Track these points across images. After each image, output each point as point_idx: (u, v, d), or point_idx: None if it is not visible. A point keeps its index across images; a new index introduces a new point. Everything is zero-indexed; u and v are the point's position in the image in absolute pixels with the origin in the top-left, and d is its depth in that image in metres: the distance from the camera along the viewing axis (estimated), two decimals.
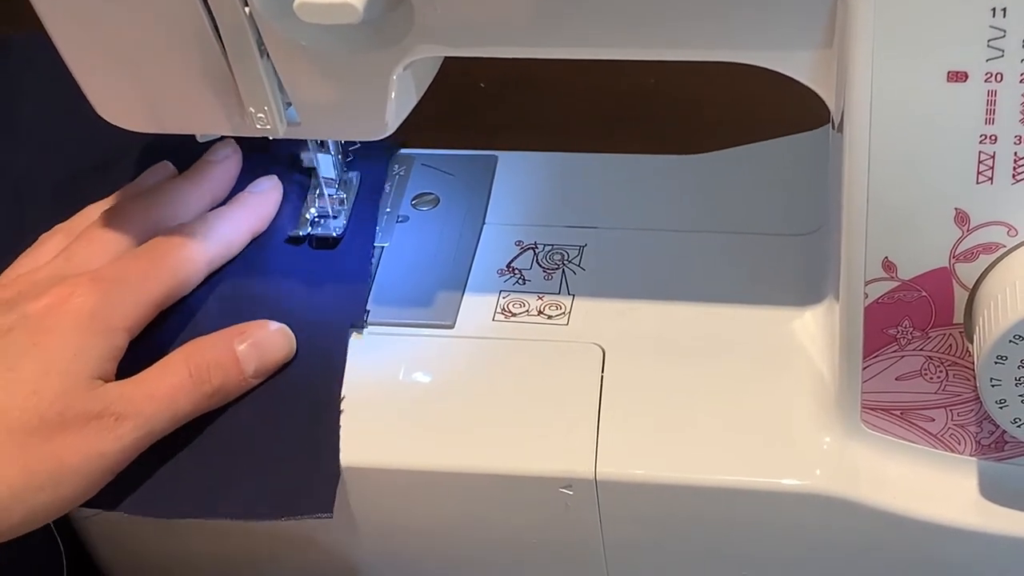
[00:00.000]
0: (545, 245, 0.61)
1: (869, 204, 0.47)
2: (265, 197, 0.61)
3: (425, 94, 0.55)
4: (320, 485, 0.54)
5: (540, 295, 0.59)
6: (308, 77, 0.50)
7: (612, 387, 0.55)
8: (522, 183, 0.64)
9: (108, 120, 0.54)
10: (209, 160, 0.62)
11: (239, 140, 0.62)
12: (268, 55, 0.50)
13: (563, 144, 0.67)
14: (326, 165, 0.60)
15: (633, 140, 0.73)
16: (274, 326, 0.57)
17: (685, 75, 0.76)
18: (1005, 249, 0.47)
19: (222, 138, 0.61)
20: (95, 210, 0.60)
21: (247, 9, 0.49)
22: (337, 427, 0.55)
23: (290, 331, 0.57)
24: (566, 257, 0.61)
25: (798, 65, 0.48)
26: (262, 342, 0.56)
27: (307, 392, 0.56)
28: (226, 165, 0.62)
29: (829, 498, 0.52)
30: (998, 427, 0.51)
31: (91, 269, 0.55)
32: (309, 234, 0.62)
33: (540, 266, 0.60)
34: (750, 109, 0.74)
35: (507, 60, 0.50)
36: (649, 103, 0.76)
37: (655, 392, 0.55)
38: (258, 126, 0.52)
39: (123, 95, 0.53)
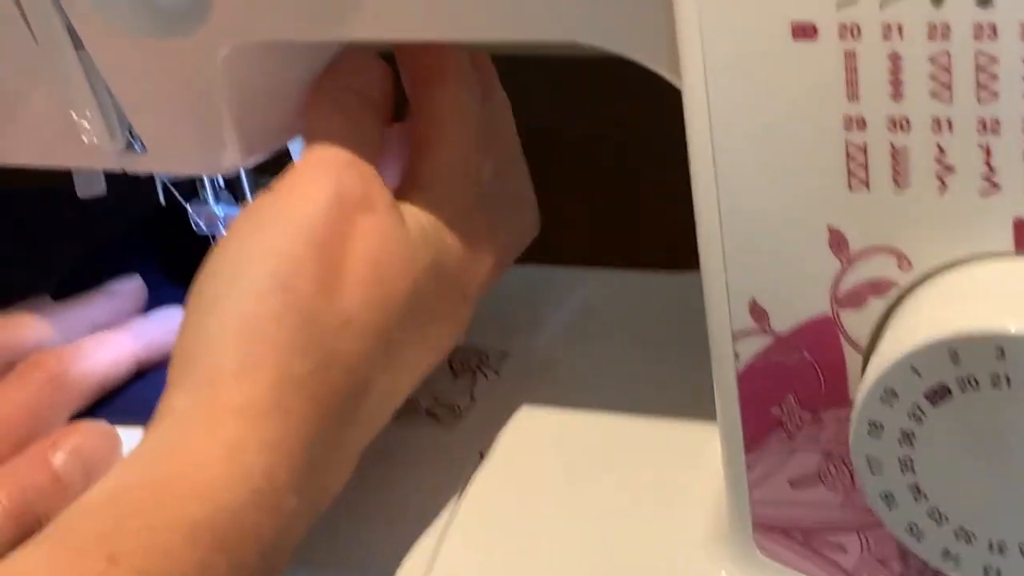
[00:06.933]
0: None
1: (722, 220, 0.36)
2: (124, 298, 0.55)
3: None
4: None
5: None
6: (127, 67, 0.44)
7: (474, 498, 0.45)
8: None
9: None
10: (103, 290, 0.55)
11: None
12: (83, 45, 0.44)
13: None
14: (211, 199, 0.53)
15: None
16: (90, 425, 0.49)
17: None
18: (898, 289, 0.35)
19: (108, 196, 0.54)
20: None
21: None
22: None
23: (111, 427, 0.49)
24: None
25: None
26: (83, 447, 0.47)
27: None
28: (118, 299, 0.55)
29: None
30: (928, 564, 0.37)
31: None
32: None
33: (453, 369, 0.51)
34: None
35: None
36: None
37: (521, 516, 0.45)
38: (84, 138, 0.46)
39: None
